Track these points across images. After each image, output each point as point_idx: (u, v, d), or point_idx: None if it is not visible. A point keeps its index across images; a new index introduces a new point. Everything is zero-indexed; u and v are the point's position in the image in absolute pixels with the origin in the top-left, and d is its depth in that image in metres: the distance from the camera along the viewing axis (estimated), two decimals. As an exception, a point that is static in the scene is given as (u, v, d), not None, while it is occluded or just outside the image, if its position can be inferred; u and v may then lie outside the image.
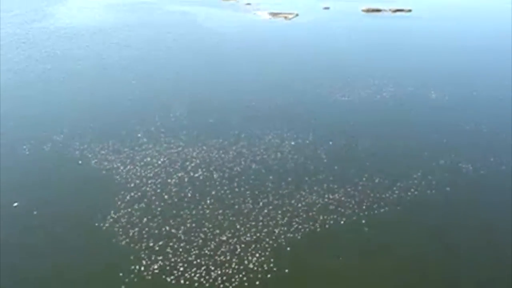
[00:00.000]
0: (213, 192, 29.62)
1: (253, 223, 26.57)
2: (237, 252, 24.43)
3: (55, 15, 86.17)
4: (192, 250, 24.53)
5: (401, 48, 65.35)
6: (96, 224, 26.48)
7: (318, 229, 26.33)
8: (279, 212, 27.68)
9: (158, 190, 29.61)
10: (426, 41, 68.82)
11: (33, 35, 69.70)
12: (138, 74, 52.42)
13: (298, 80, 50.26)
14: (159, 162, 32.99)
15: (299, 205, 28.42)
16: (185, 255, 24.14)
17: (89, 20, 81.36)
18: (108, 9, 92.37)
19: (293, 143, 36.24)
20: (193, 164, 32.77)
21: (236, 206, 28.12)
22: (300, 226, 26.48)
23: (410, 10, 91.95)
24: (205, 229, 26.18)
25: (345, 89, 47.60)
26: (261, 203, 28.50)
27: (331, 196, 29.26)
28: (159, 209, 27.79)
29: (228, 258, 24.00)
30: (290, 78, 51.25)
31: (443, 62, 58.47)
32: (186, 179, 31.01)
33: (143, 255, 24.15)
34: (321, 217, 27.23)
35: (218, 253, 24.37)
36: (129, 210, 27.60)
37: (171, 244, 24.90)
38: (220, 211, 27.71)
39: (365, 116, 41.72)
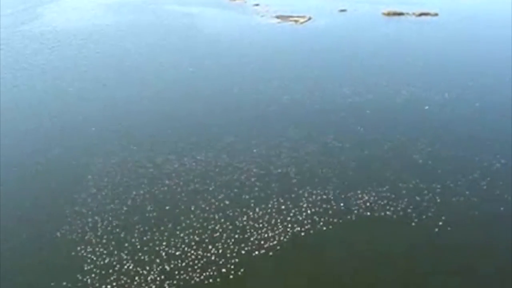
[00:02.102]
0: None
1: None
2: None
3: (46, 16, 79.56)
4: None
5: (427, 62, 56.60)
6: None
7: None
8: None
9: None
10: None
11: (13, 41, 63.13)
12: (120, 93, 45.18)
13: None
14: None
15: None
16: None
17: (80, 23, 74.50)
18: (104, 10, 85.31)
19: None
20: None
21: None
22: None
23: (436, 14, 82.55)
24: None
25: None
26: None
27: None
28: None
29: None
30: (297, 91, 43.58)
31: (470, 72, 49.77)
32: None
33: None
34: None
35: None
36: None
37: None
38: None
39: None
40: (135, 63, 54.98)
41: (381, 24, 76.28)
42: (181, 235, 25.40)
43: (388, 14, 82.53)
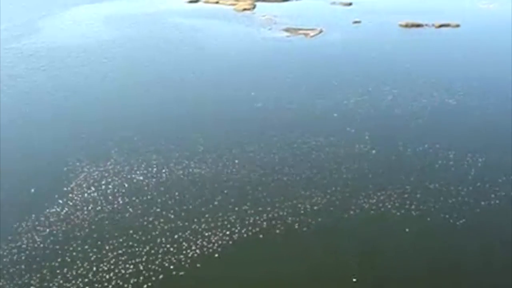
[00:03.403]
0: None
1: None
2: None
3: (44, 30, 75.85)
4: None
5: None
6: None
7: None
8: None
9: None
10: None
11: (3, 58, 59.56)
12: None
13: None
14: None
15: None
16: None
17: (78, 39, 70.44)
18: (105, 24, 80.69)
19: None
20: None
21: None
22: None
23: (458, 25, 76.68)
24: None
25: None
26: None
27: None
28: None
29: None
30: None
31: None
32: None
33: None
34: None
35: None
36: None
37: None
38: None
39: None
40: (127, 75, 51.05)
41: (398, 37, 70.95)
42: (118, 250, 25.73)
43: (406, 25, 76.95)
